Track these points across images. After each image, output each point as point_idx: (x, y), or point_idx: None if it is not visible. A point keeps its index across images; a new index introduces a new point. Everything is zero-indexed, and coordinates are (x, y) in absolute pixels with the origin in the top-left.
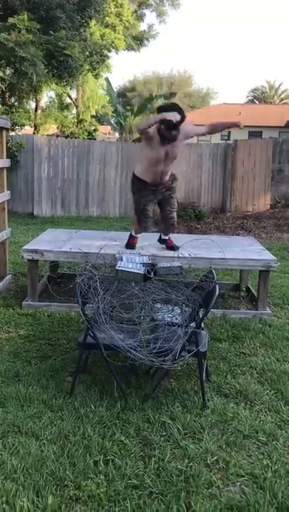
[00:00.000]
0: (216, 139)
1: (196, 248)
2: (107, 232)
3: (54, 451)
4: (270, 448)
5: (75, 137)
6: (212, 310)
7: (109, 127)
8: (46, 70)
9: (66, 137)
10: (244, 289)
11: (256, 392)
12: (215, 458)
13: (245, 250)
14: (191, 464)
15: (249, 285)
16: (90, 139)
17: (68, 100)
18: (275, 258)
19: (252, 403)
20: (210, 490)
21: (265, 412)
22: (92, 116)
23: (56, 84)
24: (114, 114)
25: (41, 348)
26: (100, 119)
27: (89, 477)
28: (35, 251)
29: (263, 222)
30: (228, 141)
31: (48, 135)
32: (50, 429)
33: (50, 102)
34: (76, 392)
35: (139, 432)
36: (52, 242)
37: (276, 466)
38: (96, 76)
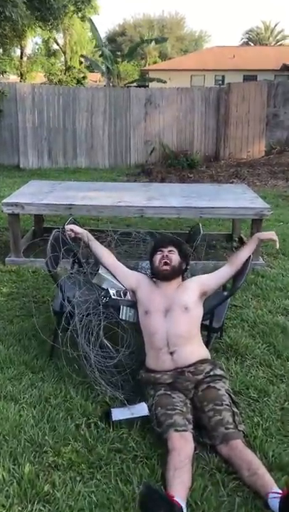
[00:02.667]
0: (209, 82)
1: (186, 197)
2: (92, 183)
3: (33, 415)
4: (261, 405)
5: (62, 85)
6: (203, 262)
7: (99, 74)
8: (28, 12)
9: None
10: (236, 239)
11: (247, 346)
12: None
13: (237, 198)
14: None
15: (242, 235)
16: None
17: (55, 46)
18: (268, 206)
19: (243, 358)
20: (198, 451)
21: (257, 366)
22: (80, 63)
23: (41, 28)
24: (101, 59)
25: (25, 306)
26: (89, 66)
27: (69, 443)
28: (16, 204)
29: (258, 169)
30: (221, 86)
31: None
32: (31, 392)
33: (36, 49)
34: (59, 352)
35: (124, 392)
36: (34, 195)
37: (267, 424)
38: (82, 18)
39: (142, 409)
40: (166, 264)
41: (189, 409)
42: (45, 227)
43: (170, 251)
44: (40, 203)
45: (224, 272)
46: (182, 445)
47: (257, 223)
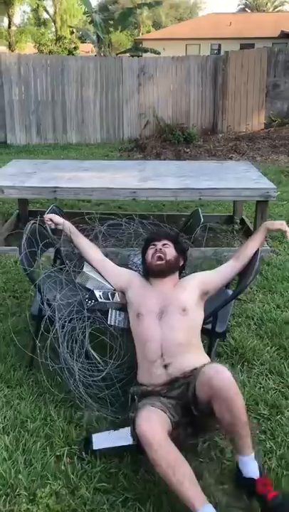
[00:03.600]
0: (205, 51)
1: (184, 177)
2: (81, 162)
3: (6, 444)
4: (274, 424)
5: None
6: (202, 249)
7: (92, 45)
8: None
9: None
10: (238, 221)
11: (255, 350)
12: (207, 444)
13: (240, 178)
14: None
15: (244, 216)
16: None
17: (45, 15)
18: (274, 186)
19: (250, 364)
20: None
21: (266, 375)
22: (72, 33)
23: None
24: (92, 26)
25: (4, 302)
26: (81, 36)
27: (48, 482)
28: None
29: (258, 143)
30: (219, 55)
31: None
32: (5, 413)
33: (25, 18)
34: (41, 362)
35: (114, 410)
36: (15, 176)
37: (282, 450)
38: None
39: (126, 436)
40: (159, 258)
41: (178, 412)
42: (31, 211)
43: (164, 244)
44: (22, 185)
45: (229, 268)
46: (151, 425)
47: (262, 205)
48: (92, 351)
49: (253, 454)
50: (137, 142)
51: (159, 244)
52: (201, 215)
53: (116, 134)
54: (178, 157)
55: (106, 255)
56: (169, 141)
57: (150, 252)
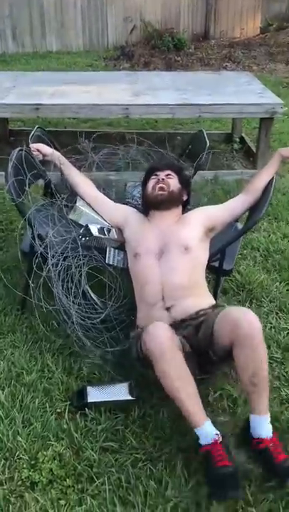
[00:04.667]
0: None
1: (182, 91)
2: (66, 74)
3: (2, 401)
4: None
5: None
6: (201, 172)
7: None
8: None
9: None
10: (237, 139)
11: (263, 285)
12: (218, 393)
13: (242, 91)
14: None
15: (243, 134)
16: None
17: None
18: (281, 101)
19: (258, 301)
20: None
21: (276, 313)
22: None
23: None
24: None
25: None
26: None
27: (50, 443)
28: None
29: (254, 50)
30: None
31: None
32: None
33: None
34: (34, 305)
35: (115, 356)
36: None
37: None
38: None
39: (124, 391)
40: (161, 189)
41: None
42: (12, 130)
43: (168, 175)
44: (1, 103)
45: (239, 202)
46: (165, 333)
47: (266, 123)
48: (89, 291)
49: (268, 416)
50: (124, 50)
51: (161, 175)
52: (206, 138)
53: (100, 40)
54: (168, 66)
55: (100, 187)
56: (158, 48)
57: (151, 182)
